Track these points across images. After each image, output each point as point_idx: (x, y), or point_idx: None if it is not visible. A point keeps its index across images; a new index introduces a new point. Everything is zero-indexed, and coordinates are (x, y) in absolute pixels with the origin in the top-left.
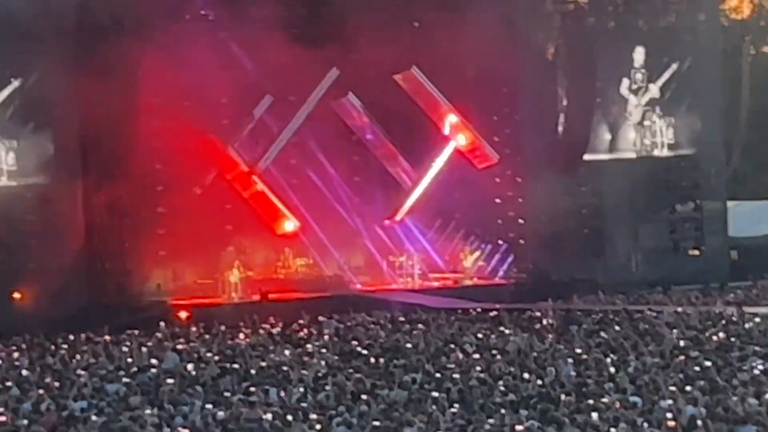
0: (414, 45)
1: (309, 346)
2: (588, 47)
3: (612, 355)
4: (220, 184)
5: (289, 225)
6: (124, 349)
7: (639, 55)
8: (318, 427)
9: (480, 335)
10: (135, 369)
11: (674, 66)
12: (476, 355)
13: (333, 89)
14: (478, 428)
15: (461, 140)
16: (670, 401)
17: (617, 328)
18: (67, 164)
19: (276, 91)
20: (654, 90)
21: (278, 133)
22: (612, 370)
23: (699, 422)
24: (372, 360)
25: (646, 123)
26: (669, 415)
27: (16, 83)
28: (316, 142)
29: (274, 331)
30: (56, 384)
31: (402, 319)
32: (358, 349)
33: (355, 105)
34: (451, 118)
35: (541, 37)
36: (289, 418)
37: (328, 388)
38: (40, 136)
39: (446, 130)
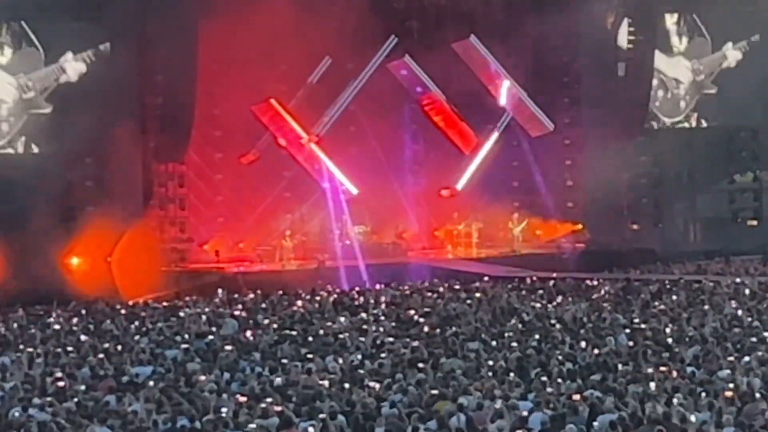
0: (472, 13)
1: (366, 313)
2: (644, 16)
3: (670, 325)
4: (279, 152)
5: (347, 192)
6: (182, 315)
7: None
8: (375, 394)
9: (537, 304)
10: (193, 335)
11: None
12: (533, 324)
13: (392, 57)
14: (534, 397)
15: (515, 109)
16: (728, 371)
17: (675, 297)
18: (127, 131)
19: (335, 57)
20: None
21: (336, 100)
22: (669, 340)
23: (757, 393)
24: (429, 328)
25: (705, 93)
26: (727, 385)
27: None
28: (375, 110)
29: (331, 298)
30: (114, 349)
31: (459, 287)
32: (415, 317)
33: (411, 66)
34: (507, 87)
35: (601, 5)
36: (346, 385)
37: (384, 355)
38: (99, 103)
39: (502, 100)
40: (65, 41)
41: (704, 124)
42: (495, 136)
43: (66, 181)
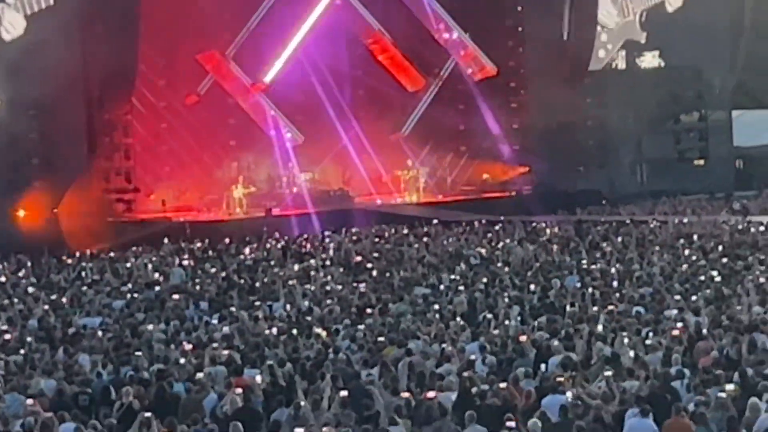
0: None
1: (314, 260)
2: None
3: (617, 266)
4: (224, 100)
5: (294, 139)
6: (129, 265)
7: None
8: (323, 340)
9: (485, 248)
10: (140, 285)
11: None
12: (481, 267)
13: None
14: (482, 340)
15: (459, 53)
16: (675, 311)
17: (622, 238)
18: (70, 82)
19: (277, 3)
20: None
21: (281, 48)
22: (617, 280)
23: (704, 331)
24: (377, 273)
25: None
26: (675, 324)
27: None
28: (321, 57)
29: (279, 246)
30: (62, 301)
31: (406, 232)
32: (363, 262)
33: (353, 3)
34: (450, 31)
35: None
36: (294, 332)
37: (332, 301)
38: (41, 54)
39: (445, 43)
40: None
41: (649, 65)
42: (440, 80)
43: (10, 134)
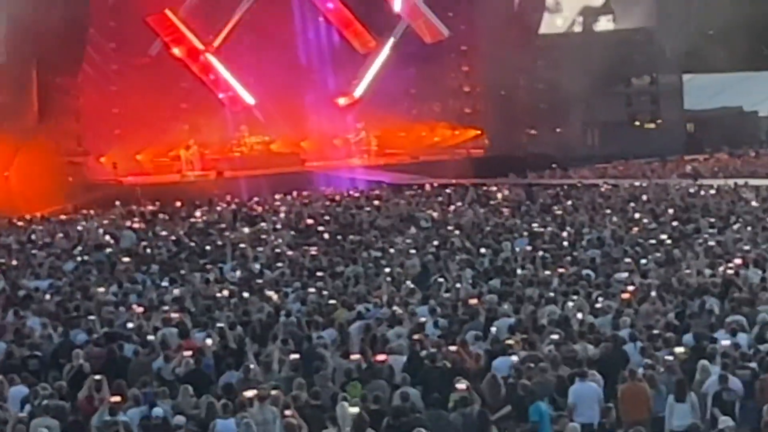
0: None
1: (265, 223)
2: None
3: (568, 229)
4: (175, 63)
5: (245, 102)
6: (80, 228)
7: None
8: (274, 303)
9: (436, 210)
10: (91, 248)
11: None
12: (432, 231)
13: None
14: (434, 303)
15: (411, 15)
16: (625, 274)
17: (573, 201)
18: (20, 44)
19: None
20: None
21: (233, 10)
22: (567, 243)
23: (653, 294)
24: (328, 236)
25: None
26: (625, 287)
27: None
28: (272, 19)
29: (230, 208)
30: (12, 263)
31: (358, 195)
32: (314, 225)
33: None
34: None
35: None
36: (246, 294)
37: (283, 264)
38: None
39: (396, 6)
40: None
41: (603, 28)
42: (391, 42)
43: None
